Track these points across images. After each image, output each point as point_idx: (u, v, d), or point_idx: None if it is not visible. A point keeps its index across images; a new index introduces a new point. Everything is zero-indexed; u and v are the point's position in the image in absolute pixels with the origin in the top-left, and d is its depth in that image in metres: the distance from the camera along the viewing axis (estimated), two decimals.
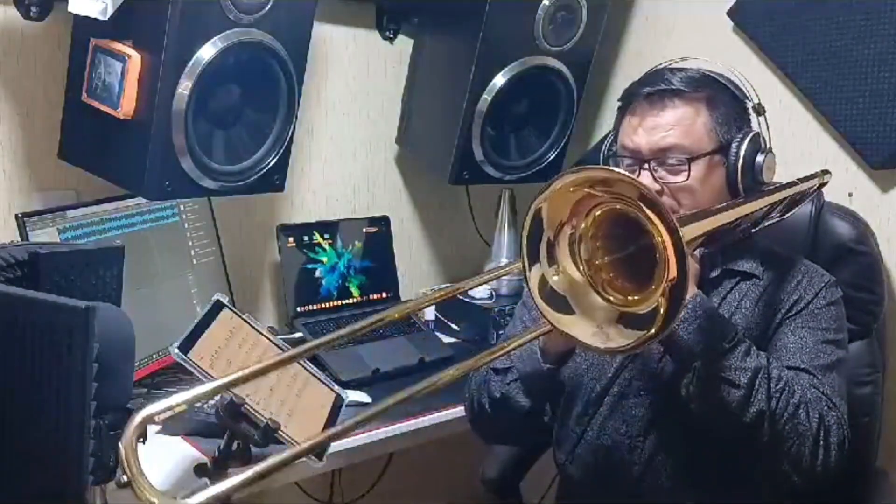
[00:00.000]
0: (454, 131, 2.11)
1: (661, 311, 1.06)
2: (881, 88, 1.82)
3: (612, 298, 1.14)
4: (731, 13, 2.05)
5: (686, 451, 1.40)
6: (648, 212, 1.06)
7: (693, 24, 2.15)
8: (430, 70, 2.24)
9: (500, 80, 2.07)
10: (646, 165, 1.39)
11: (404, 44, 2.30)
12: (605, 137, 1.97)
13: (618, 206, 1.11)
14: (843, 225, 1.69)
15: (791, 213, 1.51)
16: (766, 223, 1.47)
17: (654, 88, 1.40)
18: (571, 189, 1.12)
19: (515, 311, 1.68)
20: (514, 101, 2.15)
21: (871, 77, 1.83)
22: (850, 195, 1.90)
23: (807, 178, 1.54)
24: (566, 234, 1.16)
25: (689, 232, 1.12)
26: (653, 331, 1.07)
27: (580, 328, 1.14)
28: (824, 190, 1.74)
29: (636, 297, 1.11)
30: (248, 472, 0.88)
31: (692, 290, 1.31)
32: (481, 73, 2.05)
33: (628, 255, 1.15)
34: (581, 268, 1.16)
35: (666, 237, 1.04)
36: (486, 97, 2.07)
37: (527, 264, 1.16)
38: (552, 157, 2.25)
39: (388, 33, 2.28)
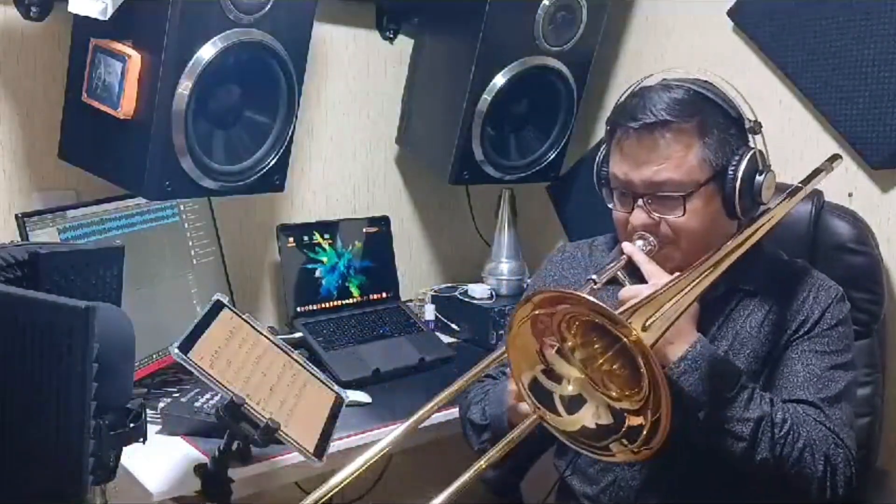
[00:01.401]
0: (454, 131, 2.11)
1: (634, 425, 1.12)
2: (881, 88, 1.81)
3: (611, 393, 1.16)
4: (731, 13, 2.05)
5: (686, 465, 1.39)
6: (607, 323, 1.10)
7: (693, 24, 2.15)
8: (430, 70, 2.24)
9: (500, 80, 2.07)
10: (639, 201, 1.35)
11: (404, 44, 2.30)
12: (604, 139, 1.96)
13: (582, 318, 1.14)
14: (842, 225, 1.69)
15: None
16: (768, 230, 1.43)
17: (641, 122, 1.33)
18: (521, 328, 1.15)
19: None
20: (514, 101, 2.15)
21: (871, 77, 1.83)
22: (850, 195, 1.90)
23: (811, 176, 1.51)
24: (553, 354, 1.18)
25: (660, 325, 1.13)
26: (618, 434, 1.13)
27: (587, 414, 1.17)
28: (824, 190, 1.74)
29: (630, 392, 1.14)
30: None
31: (691, 337, 1.29)
32: (481, 73, 2.05)
33: (621, 346, 1.15)
34: (580, 368, 1.19)
35: (630, 344, 1.08)
36: (486, 97, 2.08)
37: (545, 412, 1.17)
38: (552, 157, 2.25)
39: (388, 33, 2.28)
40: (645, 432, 1.11)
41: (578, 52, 2.16)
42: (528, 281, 2.31)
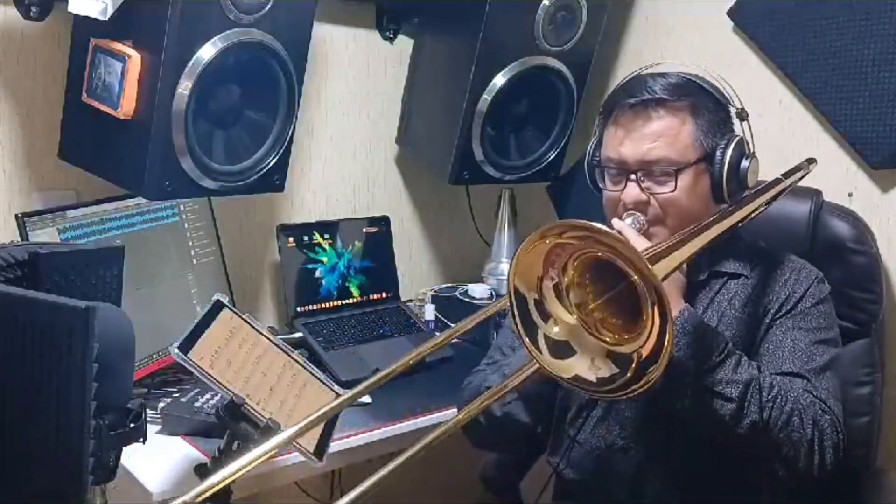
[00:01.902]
0: (454, 131, 2.11)
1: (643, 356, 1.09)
2: (881, 88, 1.81)
3: (606, 339, 1.15)
4: (731, 13, 2.05)
5: (679, 453, 1.40)
6: (619, 259, 1.08)
7: (693, 24, 2.15)
8: (430, 70, 2.24)
9: (500, 80, 2.07)
10: (632, 177, 1.39)
11: (404, 44, 2.30)
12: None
13: (594, 253, 1.12)
14: (842, 225, 1.69)
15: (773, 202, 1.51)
16: (751, 216, 1.45)
17: (638, 99, 1.39)
18: (537, 244, 1.13)
19: (505, 322, 1.68)
20: (514, 101, 2.15)
21: (871, 77, 1.83)
22: (850, 195, 1.90)
23: (791, 172, 1.54)
24: (549, 287, 1.17)
25: (665, 266, 1.12)
26: (628, 374, 1.10)
27: (580, 365, 1.16)
28: (824, 190, 1.74)
29: (629, 336, 1.13)
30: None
31: (679, 305, 1.31)
32: (481, 73, 2.05)
33: (618, 291, 1.15)
34: (573, 312, 1.18)
35: (640, 279, 1.06)
36: (486, 97, 2.08)
37: (528, 342, 1.16)
38: (552, 157, 2.25)
39: (388, 33, 2.28)
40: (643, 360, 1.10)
41: (578, 52, 2.15)
42: None
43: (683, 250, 1.18)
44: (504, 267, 2.33)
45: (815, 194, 1.72)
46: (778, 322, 1.41)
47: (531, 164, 2.25)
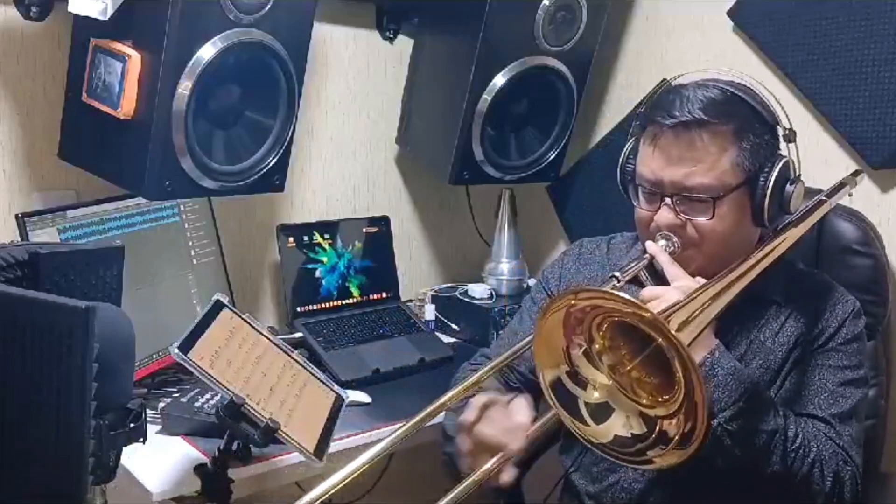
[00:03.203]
0: (454, 131, 2.11)
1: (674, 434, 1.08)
2: (881, 88, 1.81)
3: (641, 400, 1.13)
4: (731, 13, 2.05)
5: (690, 468, 1.38)
6: (642, 324, 1.06)
7: (693, 24, 2.15)
8: (430, 70, 2.23)
9: (500, 80, 2.07)
10: (667, 200, 1.33)
11: (404, 44, 2.30)
12: (605, 138, 1.97)
13: (615, 318, 1.11)
14: (847, 226, 1.68)
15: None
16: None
17: (678, 120, 1.30)
18: (552, 315, 1.11)
19: (523, 305, 1.67)
20: (514, 101, 2.15)
21: (871, 77, 1.83)
22: (850, 195, 1.90)
23: (835, 190, 1.48)
24: (580, 356, 1.14)
25: (692, 331, 1.09)
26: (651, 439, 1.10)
27: (616, 424, 1.14)
28: (823, 189, 1.73)
29: (664, 398, 1.11)
30: None
31: (711, 344, 1.27)
32: (481, 73, 2.05)
33: (652, 350, 1.12)
34: (607, 374, 1.15)
35: (665, 344, 1.05)
36: (486, 97, 2.07)
37: (568, 416, 1.15)
38: (552, 157, 2.25)
39: (388, 33, 2.28)
40: (678, 437, 1.08)
41: (578, 52, 2.15)
42: (530, 280, 2.31)
43: (712, 308, 1.14)
44: (504, 267, 2.33)
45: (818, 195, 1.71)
46: (808, 356, 1.37)
47: (531, 164, 2.25)
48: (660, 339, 1.06)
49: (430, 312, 2.28)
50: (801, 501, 1.28)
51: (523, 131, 2.24)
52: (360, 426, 1.68)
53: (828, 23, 1.87)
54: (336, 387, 1.49)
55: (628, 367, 1.15)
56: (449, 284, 2.42)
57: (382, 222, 2.27)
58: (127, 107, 1.61)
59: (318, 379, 1.47)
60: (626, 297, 1.07)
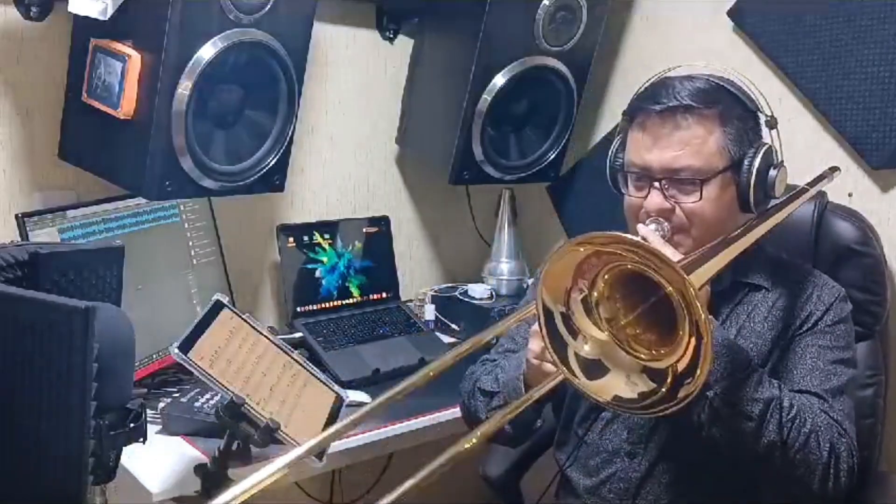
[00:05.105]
0: (454, 131, 2.11)
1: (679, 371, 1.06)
2: (881, 88, 1.81)
3: (641, 355, 1.12)
4: (731, 13, 2.05)
5: (687, 460, 1.40)
6: (653, 270, 1.05)
7: (693, 24, 2.15)
8: (430, 70, 2.24)
9: (500, 80, 2.07)
10: (656, 184, 1.36)
11: (404, 44, 2.30)
12: (605, 138, 1.97)
13: (626, 266, 1.09)
14: (845, 226, 1.68)
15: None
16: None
17: (665, 105, 1.35)
18: (570, 253, 1.10)
19: (520, 306, 1.68)
20: (514, 101, 2.15)
21: (871, 77, 1.83)
22: (850, 195, 1.90)
23: (815, 181, 1.51)
24: (577, 301, 1.14)
25: (700, 277, 1.09)
26: (663, 390, 1.07)
27: (616, 382, 1.13)
28: (825, 190, 1.74)
29: (663, 350, 1.10)
30: None
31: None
32: (481, 73, 2.05)
33: (650, 305, 1.13)
34: (603, 328, 1.14)
35: (675, 291, 1.04)
36: (486, 97, 2.07)
37: (557, 359, 1.13)
38: (552, 157, 2.25)
39: (388, 33, 2.28)
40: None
41: (578, 52, 2.15)
42: (529, 280, 2.31)
43: (716, 260, 1.15)
44: (504, 267, 2.33)
45: (818, 195, 1.71)
46: (797, 338, 1.39)
47: (531, 164, 2.25)
48: (668, 286, 1.06)
49: (430, 312, 2.28)
50: (798, 478, 1.27)
51: (523, 131, 2.24)
52: (360, 426, 1.67)
53: (828, 23, 1.87)
54: (336, 387, 1.49)
55: (623, 322, 1.15)
56: (449, 284, 2.42)
57: (382, 222, 2.27)
58: (127, 107, 1.61)
59: (318, 379, 1.47)
60: (652, 246, 1.08)
